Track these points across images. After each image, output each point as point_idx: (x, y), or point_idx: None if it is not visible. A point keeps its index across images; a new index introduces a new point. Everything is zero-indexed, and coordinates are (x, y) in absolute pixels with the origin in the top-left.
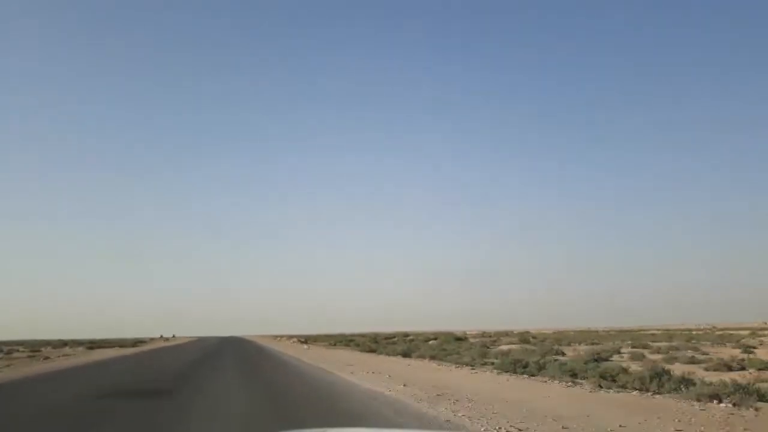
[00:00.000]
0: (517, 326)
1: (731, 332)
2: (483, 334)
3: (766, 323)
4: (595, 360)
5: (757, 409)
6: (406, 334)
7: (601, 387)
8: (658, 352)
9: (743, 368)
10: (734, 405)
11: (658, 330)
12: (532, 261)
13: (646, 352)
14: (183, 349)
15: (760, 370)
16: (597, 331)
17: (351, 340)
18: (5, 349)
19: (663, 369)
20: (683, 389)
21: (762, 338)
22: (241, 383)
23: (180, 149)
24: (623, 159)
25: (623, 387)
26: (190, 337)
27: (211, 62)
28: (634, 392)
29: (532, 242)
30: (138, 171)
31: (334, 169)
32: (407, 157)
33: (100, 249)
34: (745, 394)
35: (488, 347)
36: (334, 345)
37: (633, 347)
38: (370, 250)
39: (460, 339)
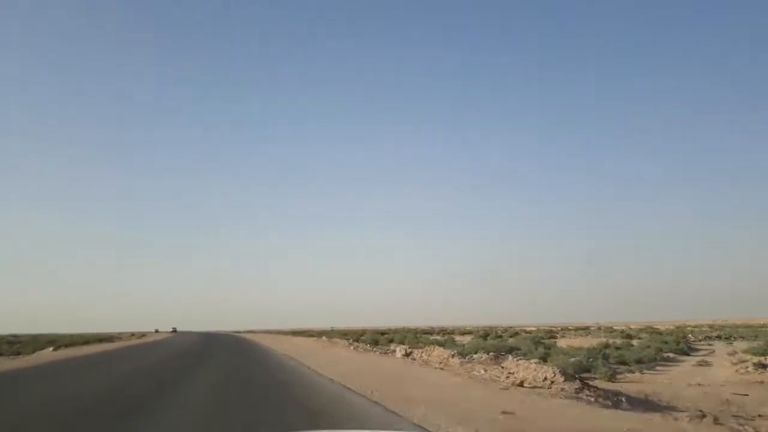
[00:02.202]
0: (533, 322)
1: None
2: (550, 330)
3: None
4: None
5: None
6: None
7: None
8: None
9: None
10: None
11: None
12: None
13: None
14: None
15: None
16: (683, 327)
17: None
18: None
19: None
20: None
21: None
22: None
23: (174, 142)
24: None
25: None
26: (182, 332)
27: (211, 57)
28: None
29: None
30: (133, 167)
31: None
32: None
33: (87, 242)
34: None
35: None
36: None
37: None
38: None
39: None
